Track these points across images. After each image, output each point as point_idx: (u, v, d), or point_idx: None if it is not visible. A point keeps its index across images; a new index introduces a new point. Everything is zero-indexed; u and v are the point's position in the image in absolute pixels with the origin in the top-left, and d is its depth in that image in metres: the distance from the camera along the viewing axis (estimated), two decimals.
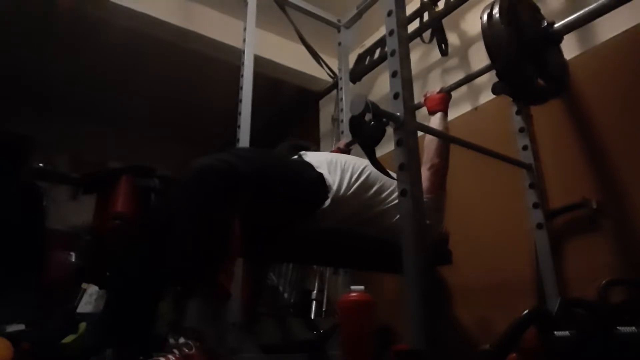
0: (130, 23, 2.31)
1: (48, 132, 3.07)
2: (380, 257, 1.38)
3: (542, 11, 1.34)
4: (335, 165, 1.31)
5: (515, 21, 1.19)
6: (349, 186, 1.27)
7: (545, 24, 1.26)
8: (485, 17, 1.19)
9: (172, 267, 0.98)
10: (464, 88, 1.85)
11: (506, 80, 1.22)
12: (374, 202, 1.32)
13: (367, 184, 1.31)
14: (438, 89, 1.57)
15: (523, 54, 1.18)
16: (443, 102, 1.54)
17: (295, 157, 1.40)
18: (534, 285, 1.41)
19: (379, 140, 0.99)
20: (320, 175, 1.26)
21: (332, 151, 1.69)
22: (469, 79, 1.60)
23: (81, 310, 1.91)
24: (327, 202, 1.22)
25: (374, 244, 1.33)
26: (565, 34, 1.25)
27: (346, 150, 1.92)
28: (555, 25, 1.24)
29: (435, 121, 1.48)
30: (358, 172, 1.32)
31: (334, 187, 1.24)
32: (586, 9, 1.16)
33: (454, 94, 1.60)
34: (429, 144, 1.41)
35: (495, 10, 1.18)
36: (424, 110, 1.59)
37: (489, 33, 1.18)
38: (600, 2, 1.13)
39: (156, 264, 1.04)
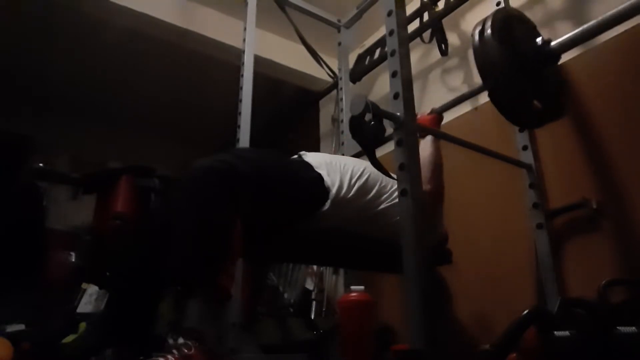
0: (130, 23, 2.31)
1: (48, 132, 3.07)
2: (380, 257, 1.38)
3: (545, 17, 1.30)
4: (334, 167, 1.31)
5: (508, 38, 1.14)
6: (349, 188, 1.27)
7: (541, 41, 1.19)
8: (476, 34, 1.14)
9: (173, 267, 0.98)
10: (464, 88, 1.85)
11: (497, 102, 1.16)
12: (375, 204, 1.32)
13: (367, 186, 1.31)
14: (429, 110, 1.55)
15: (516, 73, 1.12)
16: (434, 123, 1.51)
17: (295, 156, 1.40)
18: (534, 285, 1.41)
19: (378, 141, 0.99)
20: (320, 175, 1.26)
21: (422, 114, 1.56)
22: (462, 99, 1.57)
23: (81, 310, 1.91)
24: (327, 205, 1.22)
25: (374, 244, 1.33)
26: (562, 53, 1.19)
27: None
28: (552, 44, 1.18)
29: (425, 146, 1.38)
30: (358, 174, 1.31)
31: (334, 190, 1.24)
32: (584, 26, 1.13)
33: (453, 94, 1.60)
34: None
35: (488, 27, 1.13)
36: (424, 110, 1.59)
37: (480, 51, 1.12)
38: (598, 20, 1.11)
39: (156, 264, 1.04)
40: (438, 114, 1.55)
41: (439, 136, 1.40)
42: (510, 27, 1.18)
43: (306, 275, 2.26)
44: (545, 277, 1.37)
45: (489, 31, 1.12)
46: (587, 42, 1.46)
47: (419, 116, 1.54)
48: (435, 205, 1.36)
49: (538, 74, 1.22)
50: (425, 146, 1.38)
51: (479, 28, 1.15)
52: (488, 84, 1.15)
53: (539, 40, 1.21)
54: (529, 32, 1.26)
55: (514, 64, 1.12)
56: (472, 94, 1.51)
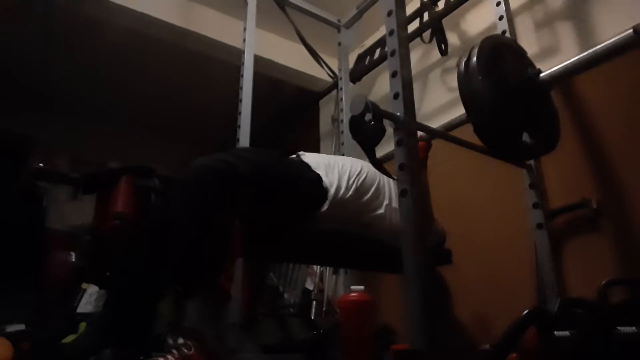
0: (130, 23, 2.31)
1: (48, 132, 3.07)
2: (380, 257, 1.38)
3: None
4: (333, 167, 1.31)
5: (496, 69, 1.08)
6: (347, 188, 1.27)
7: (531, 73, 1.14)
8: (462, 65, 1.08)
9: (172, 267, 0.98)
10: None
11: (482, 138, 1.11)
12: (373, 205, 1.32)
13: (364, 186, 1.31)
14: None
15: (503, 107, 1.06)
16: (422, 151, 1.48)
17: (294, 157, 1.40)
18: (534, 285, 1.41)
19: (379, 140, 0.99)
20: (318, 176, 1.26)
21: None
22: (448, 128, 1.54)
23: (81, 310, 1.91)
24: (326, 206, 1.22)
25: (374, 244, 1.33)
26: (553, 85, 1.15)
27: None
28: (542, 75, 1.13)
29: None
30: (356, 174, 1.31)
31: (332, 190, 1.24)
32: (574, 58, 1.11)
33: (453, 94, 1.60)
34: None
35: (474, 56, 1.06)
36: (424, 110, 1.59)
37: (465, 82, 1.06)
38: (591, 51, 1.09)
39: (156, 264, 1.04)
40: (427, 141, 1.52)
41: (439, 136, 1.40)
42: (498, 56, 1.11)
43: (306, 275, 2.26)
44: (545, 277, 1.37)
45: (474, 60, 1.06)
46: (587, 43, 1.48)
47: None
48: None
49: (528, 106, 1.16)
50: None
51: (464, 58, 1.09)
52: (472, 118, 1.10)
53: (529, 70, 1.15)
54: (519, 62, 1.20)
55: (501, 96, 1.06)
56: (462, 122, 1.46)
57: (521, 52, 1.24)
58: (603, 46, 1.06)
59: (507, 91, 1.09)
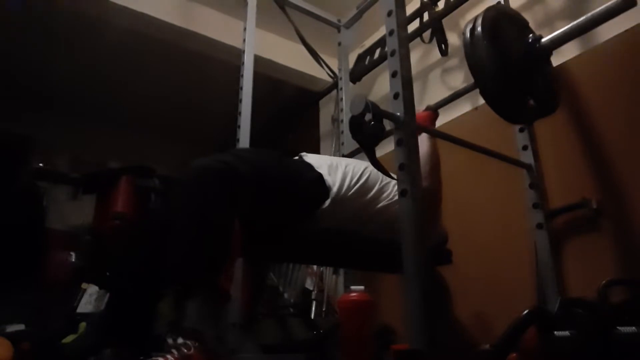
0: (130, 23, 2.31)
1: (48, 132, 3.06)
2: (380, 257, 1.38)
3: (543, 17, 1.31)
4: (335, 167, 1.31)
5: (499, 37, 1.14)
6: (349, 188, 1.27)
7: (532, 38, 1.21)
8: (467, 33, 1.15)
9: (172, 267, 0.98)
10: (463, 87, 1.85)
11: (489, 100, 1.16)
12: (374, 203, 1.32)
13: (367, 186, 1.31)
14: (424, 107, 1.55)
15: (507, 71, 1.13)
16: (430, 120, 1.51)
17: (296, 157, 1.40)
18: (534, 285, 1.41)
19: (379, 140, 0.99)
20: (320, 175, 1.26)
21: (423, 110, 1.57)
22: (454, 96, 1.57)
23: (81, 310, 1.91)
24: (327, 203, 1.22)
25: (374, 244, 1.33)
26: (553, 49, 1.20)
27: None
28: (543, 40, 1.19)
29: (421, 143, 1.30)
30: (358, 174, 1.32)
31: (334, 189, 1.24)
32: (574, 22, 1.14)
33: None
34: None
35: (478, 25, 1.13)
36: (422, 108, 1.59)
37: (471, 50, 1.13)
38: (587, 16, 1.12)
39: (156, 264, 1.04)
40: (433, 110, 1.54)
41: (439, 136, 1.40)
42: (501, 25, 1.18)
43: (306, 275, 2.26)
44: (545, 277, 1.37)
45: (479, 29, 1.12)
46: (587, 42, 1.48)
47: None
48: (433, 204, 1.36)
49: (530, 70, 1.22)
50: (422, 143, 1.34)
51: (469, 26, 1.15)
52: (479, 82, 1.15)
53: (530, 37, 1.22)
54: (520, 30, 1.26)
55: (505, 61, 1.12)
56: (466, 90, 1.50)
57: (523, 22, 1.28)
58: (602, 9, 1.10)
59: (510, 56, 1.14)
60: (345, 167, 1.33)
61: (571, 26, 1.14)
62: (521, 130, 1.55)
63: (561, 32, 1.16)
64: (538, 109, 1.26)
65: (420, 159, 1.20)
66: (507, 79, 1.13)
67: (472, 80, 1.62)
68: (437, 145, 1.39)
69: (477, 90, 1.63)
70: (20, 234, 1.94)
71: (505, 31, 1.18)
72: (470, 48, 1.13)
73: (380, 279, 1.91)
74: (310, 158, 1.37)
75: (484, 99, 1.18)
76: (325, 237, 1.26)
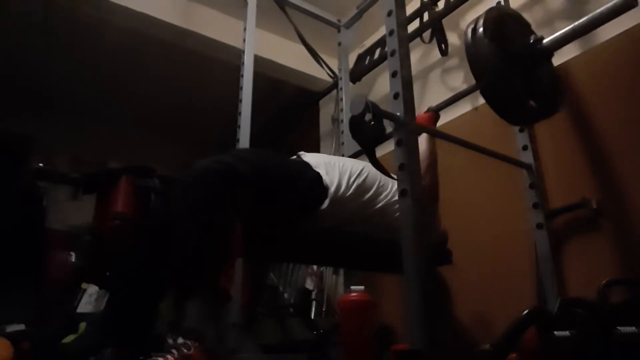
0: (129, 23, 2.31)
1: (48, 132, 3.06)
2: (380, 257, 1.38)
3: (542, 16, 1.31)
4: (333, 166, 1.31)
5: (501, 37, 1.14)
6: (348, 187, 1.27)
7: (534, 39, 1.21)
8: (469, 32, 1.15)
9: (173, 268, 0.98)
10: (464, 88, 1.85)
11: (489, 100, 1.16)
12: (373, 202, 1.32)
13: (365, 185, 1.31)
14: (425, 108, 1.55)
15: (509, 71, 1.13)
16: (431, 121, 1.51)
17: (294, 157, 1.40)
18: (534, 285, 1.41)
19: (379, 140, 0.99)
20: (318, 174, 1.26)
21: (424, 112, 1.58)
22: (455, 98, 1.58)
23: (81, 310, 1.91)
24: (326, 203, 1.22)
25: (374, 244, 1.33)
26: (555, 50, 1.20)
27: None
28: (544, 41, 1.19)
29: (420, 142, 1.31)
30: (356, 174, 1.32)
31: (332, 188, 1.24)
32: (575, 23, 1.14)
33: (453, 94, 1.59)
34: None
35: (480, 25, 1.13)
36: (424, 110, 1.59)
37: (472, 49, 1.13)
38: (589, 17, 1.12)
39: (156, 264, 1.04)
40: (434, 112, 1.54)
41: (439, 136, 1.40)
42: (503, 25, 1.18)
43: (306, 275, 2.26)
44: (545, 277, 1.37)
45: (481, 29, 1.12)
46: (587, 42, 1.48)
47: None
48: (431, 202, 1.36)
49: (531, 71, 1.22)
50: (420, 142, 1.37)
51: (471, 26, 1.15)
52: (480, 82, 1.15)
53: (531, 38, 1.22)
54: (522, 30, 1.26)
55: (506, 61, 1.12)
56: (468, 92, 1.50)
57: (524, 22, 1.28)
58: (603, 10, 1.09)
59: (512, 56, 1.14)
60: (343, 165, 1.33)
61: (573, 27, 1.14)
62: (521, 130, 1.55)
63: (562, 32, 1.16)
64: (539, 110, 1.26)
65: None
66: (509, 79, 1.13)
67: (472, 81, 1.62)
68: (436, 146, 1.41)
69: (478, 90, 1.63)
70: (20, 234, 1.94)
71: (507, 32, 1.18)
72: (472, 48, 1.13)
73: (380, 279, 1.91)
74: (308, 157, 1.37)
75: (485, 99, 1.18)
76: (325, 237, 1.26)
